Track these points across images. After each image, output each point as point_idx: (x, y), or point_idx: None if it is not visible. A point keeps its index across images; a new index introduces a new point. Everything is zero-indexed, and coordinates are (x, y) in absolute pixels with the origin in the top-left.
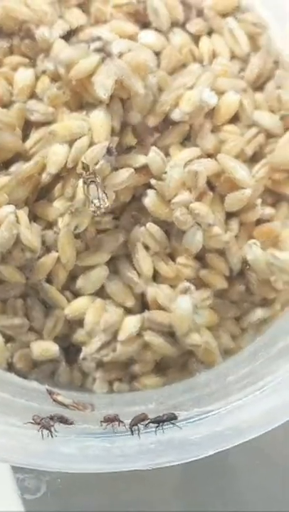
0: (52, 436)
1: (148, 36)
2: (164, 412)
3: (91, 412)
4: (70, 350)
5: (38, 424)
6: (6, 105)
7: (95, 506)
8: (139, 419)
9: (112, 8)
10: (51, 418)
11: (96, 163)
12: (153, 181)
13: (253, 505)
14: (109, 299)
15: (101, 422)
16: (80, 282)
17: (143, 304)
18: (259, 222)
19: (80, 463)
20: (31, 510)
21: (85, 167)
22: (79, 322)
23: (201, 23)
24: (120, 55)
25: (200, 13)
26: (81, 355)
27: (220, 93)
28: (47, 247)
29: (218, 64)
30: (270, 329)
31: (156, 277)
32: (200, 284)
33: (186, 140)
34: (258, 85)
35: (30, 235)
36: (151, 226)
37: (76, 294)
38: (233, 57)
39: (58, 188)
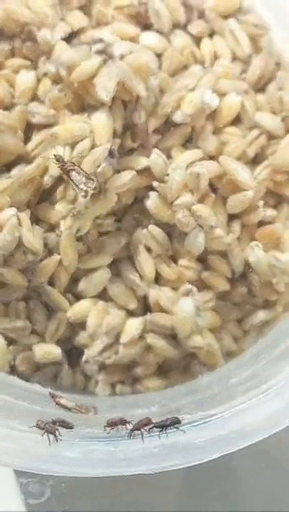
0: (56, 441)
1: (149, 38)
2: (168, 415)
3: (94, 416)
4: (73, 353)
5: (43, 429)
6: (8, 107)
7: (98, 509)
8: (143, 424)
9: (114, 10)
10: (54, 423)
11: (98, 166)
12: (155, 183)
13: (257, 508)
14: (112, 302)
15: (105, 426)
16: (82, 285)
17: (145, 307)
18: (261, 224)
19: (84, 467)
20: None
21: (58, 159)
22: (81, 325)
23: (203, 25)
24: (122, 57)
25: (201, 15)
26: (83, 358)
27: (221, 95)
28: (49, 250)
29: (220, 65)
30: (272, 331)
31: (158, 279)
32: (202, 286)
33: (188, 142)
34: (260, 87)
35: (33, 237)
36: (153, 228)
37: (78, 297)
38: (234, 58)
39: (60, 190)
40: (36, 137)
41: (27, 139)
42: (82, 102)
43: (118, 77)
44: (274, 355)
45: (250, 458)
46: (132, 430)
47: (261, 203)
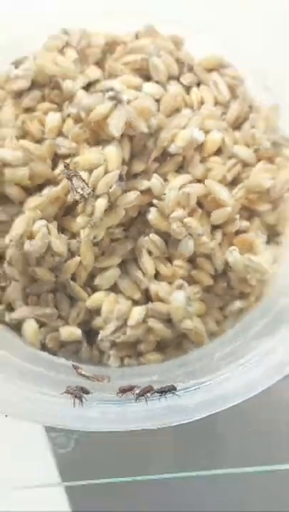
0: (82, 403)
1: (150, 87)
2: (166, 383)
3: (107, 383)
4: (90, 334)
5: (72, 393)
6: (39, 141)
7: (107, 457)
8: (146, 390)
9: (122, 65)
10: (78, 389)
11: (110, 187)
12: (155, 201)
13: (237, 464)
14: (121, 294)
15: (117, 393)
16: (97, 280)
17: (147, 297)
18: (237, 232)
19: (101, 424)
20: (62, 461)
21: (66, 166)
22: (97, 311)
23: (192, 77)
24: (129, 102)
25: (190, 69)
26: (99, 337)
27: (206, 132)
28: (71, 253)
29: (205, 109)
30: (247, 317)
31: (157, 276)
32: (191, 281)
33: (180, 168)
34: (236, 125)
35: (59, 243)
36: (153, 236)
37: (94, 290)
38: (216, 103)
39: (80, 206)
40: (61, 165)
41: (54, 166)
42: (98, 137)
43: (126, 117)
44: (248, 336)
45: (230, 420)
46: (138, 395)
47: (238, 216)
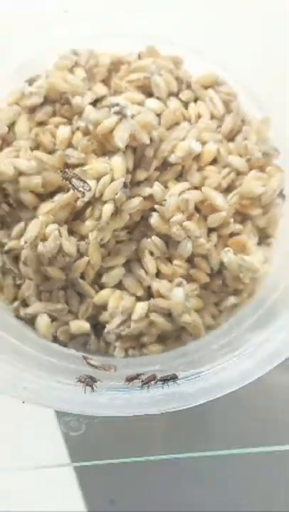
0: (93, 391)
1: (152, 103)
2: (168, 372)
3: (114, 372)
4: (98, 327)
5: (83, 382)
6: (51, 152)
7: (112, 438)
8: (150, 379)
9: (126, 82)
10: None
11: (116, 193)
12: (156, 206)
13: (230, 445)
14: (125, 290)
15: (125, 381)
16: (104, 278)
17: (149, 294)
18: (232, 235)
19: (110, 409)
20: (74, 444)
21: (64, 170)
22: (104, 307)
23: (190, 93)
24: (133, 116)
25: (189, 86)
26: (105, 330)
27: (203, 143)
28: (80, 254)
29: (202, 122)
30: (240, 311)
31: (158, 275)
32: (190, 279)
33: (180, 177)
34: (231, 137)
35: (69, 245)
36: (155, 238)
37: (101, 287)
38: (212, 117)
39: (89, 211)
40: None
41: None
42: (104, 149)
43: (130, 130)
44: (242, 329)
45: (228, 406)
46: (143, 383)
47: (232, 220)
